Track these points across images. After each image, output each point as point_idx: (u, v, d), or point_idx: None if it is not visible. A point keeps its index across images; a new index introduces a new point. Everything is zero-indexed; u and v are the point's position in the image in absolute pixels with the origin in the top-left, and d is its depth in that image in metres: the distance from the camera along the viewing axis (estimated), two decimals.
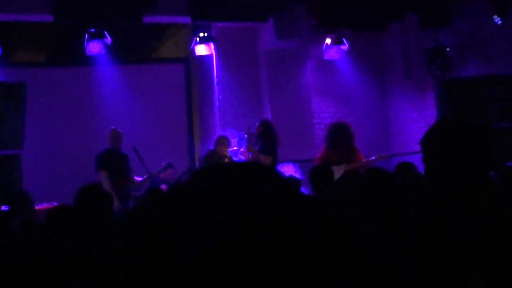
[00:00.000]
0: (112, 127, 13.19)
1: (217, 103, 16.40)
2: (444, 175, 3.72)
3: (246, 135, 14.27)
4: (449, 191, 3.67)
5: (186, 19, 15.38)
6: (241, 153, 14.20)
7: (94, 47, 15.02)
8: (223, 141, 13.57)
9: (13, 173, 11.06)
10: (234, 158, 13.93)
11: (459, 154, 3.67)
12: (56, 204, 10.67)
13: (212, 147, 13.54)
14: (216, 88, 16.56)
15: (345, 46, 16.66)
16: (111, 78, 15.80)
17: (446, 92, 14.02)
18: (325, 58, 16.75)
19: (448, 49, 15.54)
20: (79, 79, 15.97)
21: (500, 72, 13.98)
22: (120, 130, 13.09)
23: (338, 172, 10.75)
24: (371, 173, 6.05)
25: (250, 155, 13.90)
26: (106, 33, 14.92)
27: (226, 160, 13.41)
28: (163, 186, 12.53)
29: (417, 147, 4.26)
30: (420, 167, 5.65)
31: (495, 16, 14.35)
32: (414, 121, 16.37)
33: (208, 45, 15.94)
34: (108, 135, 13.00)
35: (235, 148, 14.86)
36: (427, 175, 3.92)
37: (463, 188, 3.62)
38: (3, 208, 10.62)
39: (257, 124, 14.20)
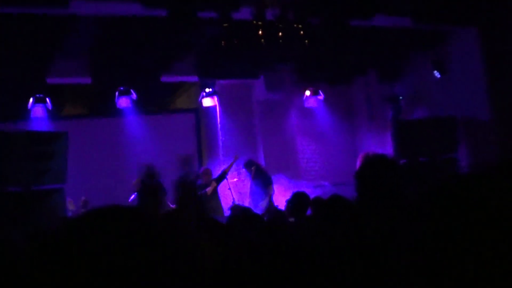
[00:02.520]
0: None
1: (221, 143, 16.54)
2: (370, 198, 3.92)
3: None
4: (374, 210, 3.81)
5: (195, 78, 15.58)
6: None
7: (122, 102, 15.19)
8: (206, 173, 13.82)
9: (58, 203, 11.15)
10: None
11: (378, 183, 3.92)
12: None
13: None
14: (219, 132, 16.71)
15: (321, 96, 16.83)
16: (136, 126, 15.96)
17: (400, 131, 14.14)
18: (306, 106, 16.91)
19: (401, 97, 15.76)
20: (111, 127, 16.16)
21: (440, 115, 14.16)
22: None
23: None
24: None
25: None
26: (132, 90, 15.09)
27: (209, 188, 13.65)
28: None
29: None
30: None
31: (435, 72, 14.57)
32: None
33: (212, 98, 16.14)
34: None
35: (235, 179, 15.00)
36: (358, 199, 4.08)
37: (383, 205, 3.78)
38: None
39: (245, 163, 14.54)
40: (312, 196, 9.85)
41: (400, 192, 3.92)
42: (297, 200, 9.52)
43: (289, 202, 9.54)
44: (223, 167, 14.59)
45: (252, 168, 14.61)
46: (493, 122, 13.43)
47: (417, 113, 15.11)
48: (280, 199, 13.15)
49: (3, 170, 10.76)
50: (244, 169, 14.99)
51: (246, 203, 14.27)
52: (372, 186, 3.98)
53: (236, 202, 13.82)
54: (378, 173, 4.00)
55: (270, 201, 13.34)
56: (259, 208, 13.44)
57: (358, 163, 13.64)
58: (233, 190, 14.52)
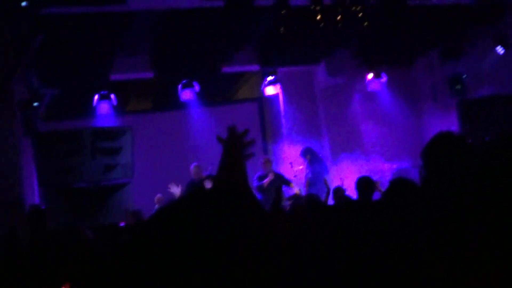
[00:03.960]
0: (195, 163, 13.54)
1: (285, 132, 16.56)
2: (441, 179, 3.74)
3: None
4: (446, 191, 3.59)
5: (256, 67, 15.64)
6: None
7: (186, 95, 15.33)
8: (266, 161, 13.75)
9: (126, 197, 11.35)
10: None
11: (451, 163, 3.70)
12: None
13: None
14: (283, 120, 16.74)
15: (384, 79, 16.64)
16: (200, 118, 16.06)
17: (465, 111, 13.93)
18: (368, 90, 16.75)
19: (464, 76, 15.48)
20: (175, 120, 16.32)
21: (506, 92, 13.88)
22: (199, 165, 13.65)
23: None
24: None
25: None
26: (194, 83, 15.21)
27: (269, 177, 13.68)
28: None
29: None
30: None
31: (499, 47, 14.28)
32: None
33: (275, 86, 16.14)
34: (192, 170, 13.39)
35: (301, 167, 14.96)
36: (426, 180, 3.91)
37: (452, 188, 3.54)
38: (121, 224, 10.99)
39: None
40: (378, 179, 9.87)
41: (469, 172, 3.58)
42: (362, 184, 9.54)
43: (356, 187, 9.58)
44: (306, 173, 14.51)
45: (307, 156, 14.63)
46: None
47: (483, 91, 14.83)
48: (348, 183, 13.12)
49: (72, 166, 11.03)
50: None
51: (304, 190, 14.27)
52: (440, 164, 3.81)
53: (300, 190, 13.84)
54: (447, 150, 3.84)
55: (328, 188, 13.20)
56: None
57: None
58: (298, 177, 14.54)
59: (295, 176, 14.53)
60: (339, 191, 11.93)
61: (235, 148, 3.04)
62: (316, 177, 14.35)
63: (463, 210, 3.37)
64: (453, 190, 3.56)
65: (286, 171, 14.77)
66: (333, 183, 14.05)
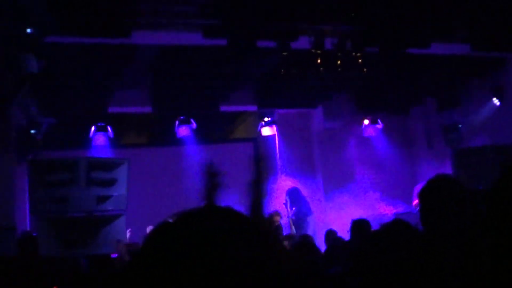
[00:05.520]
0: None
1: (280, 174, 16.60)
2: (439, 225, 3.68)
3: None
4: (444, 239, 3.60)
5: (253, 107, 15.74)
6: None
7: (183, 131, 15.45)
8: (275, 216, 13.71)
9: (119, 228, 11.34)
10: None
11: (451, 208, 3.65)
12: None
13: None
14: (278, 161, 16.80)
15: (379, 125, 16.81)
16: (196, 155, 16.08)
17: (460, 159, 14.06)
18: (364, 135, 16.90)
19: (460, 125, 15.64)
20: (171, 156, 16.36)
21: (500, 143, 14.01)
22: None
23: None
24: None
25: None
26: (192, 120, 15.31)
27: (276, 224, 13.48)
28: None
29: None
30: None
31: (494, 99, 14.44)
32: None
33: (271, 127, 16.28)
34: None
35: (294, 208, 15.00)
36: (423, 223, 3.86)
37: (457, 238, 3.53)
38: (113, 255, 10.96)
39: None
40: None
41: (468, 216, 3.66)
42: (357, 228, 9.53)
43: (350, 230, 9.57)
44: (288, 212, 14.54)
45: (292, 197, 14.73)
46: None
47: (477, 141, 14.95)
48: (341, 226, 13.12)
49: (66, 196, 11.02)
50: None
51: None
52: (438, 206, 3.73)
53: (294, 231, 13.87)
54: (445, 192, 3.75)
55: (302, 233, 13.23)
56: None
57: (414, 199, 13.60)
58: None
59: (288, 217, 14.55)
60: (331, 234, 11.91)
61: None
62: (300, 218, 14.42)
63: (461, 253, 3.38)
64: (451, 233, 3.57)
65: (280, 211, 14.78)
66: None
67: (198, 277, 1.25)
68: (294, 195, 14.81)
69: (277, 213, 13.90)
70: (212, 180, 3.14)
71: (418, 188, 11.66)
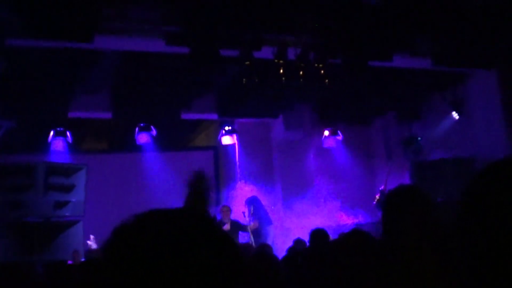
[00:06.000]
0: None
1: (239, 182, 16.59)
2: (400, 232, 3.68)
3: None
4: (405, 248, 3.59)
5: (214, 116, 15.73)
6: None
7: (142, 138, 15.35)
8: (225, 210, 13.79)
9: (75, 235, 11.25)
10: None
11: (413, 218, 3.64)
12: None
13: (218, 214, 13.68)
14: (238, 170, 16.81)
15: (340, 137, 16.89)
16: (155, 163, 16.04)
17: (418, 172, 14.24)
18: (324, 146, 16.97)
19: (419, 138, 15.83)
20: (130, 162, 16.23)
21: (458, 156, 14.20)
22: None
23: None
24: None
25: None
26: (152, 127, 15.25)
27: (227, 225, 13.49)
28: None
29: None
30: None
31: (454, 113, 14.63)
32: None
33: (232, 136, 16.28)
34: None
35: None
36: (385, 232, 3.84)
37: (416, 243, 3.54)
38: (69, 262, 10.84)
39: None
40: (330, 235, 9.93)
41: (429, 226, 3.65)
42: (316, 237, 9.57)
43: (309, 240, 9.61)
44: (248, 221, 14.50)
45: (251, 207, 14.70)
46: None
47: (436, 153, 15.14)
48: (301, 235, 13.13)
49: (23, 200, 10.90)
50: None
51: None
52: (400, 214, 3.72)
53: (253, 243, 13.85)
54: (407, 201, 3.74)
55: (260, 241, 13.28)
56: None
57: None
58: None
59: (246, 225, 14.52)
60: (300, 243, 11.82)
61: (200, 191, 3.14)
62: (259, 228, 14.42)
63: (422, 262, 3.39)
64: (413, 242, 3.59)
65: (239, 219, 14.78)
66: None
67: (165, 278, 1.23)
68: (253, 204, 14.80)
69: (227, 207, 13.97)
70: (201, 185, 3.13)
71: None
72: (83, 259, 11.97)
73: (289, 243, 13.36)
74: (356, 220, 15.79)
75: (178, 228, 1.33)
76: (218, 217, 13.74)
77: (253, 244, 13.32)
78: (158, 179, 15.71)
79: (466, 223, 1.38)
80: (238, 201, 15.90)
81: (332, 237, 10.94)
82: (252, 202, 14.90)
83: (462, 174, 13.70)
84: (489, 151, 13.80)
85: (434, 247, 3.38)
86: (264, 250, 10.30)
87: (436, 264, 3.29)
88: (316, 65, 12.00)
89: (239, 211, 14.77)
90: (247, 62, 11.52)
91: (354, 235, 6.13)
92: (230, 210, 13.93)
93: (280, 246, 13.65)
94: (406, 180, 15.15)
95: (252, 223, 14.19)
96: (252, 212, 14.59)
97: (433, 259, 3.34)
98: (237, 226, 13.80)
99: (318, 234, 9.55)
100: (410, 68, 13.55)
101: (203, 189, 3.16)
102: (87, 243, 12.73)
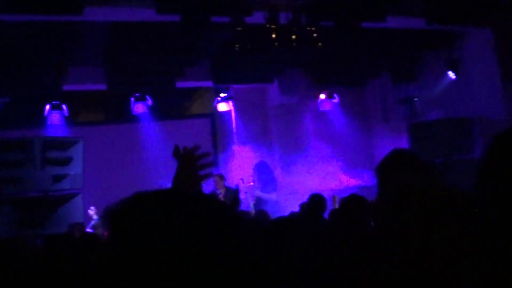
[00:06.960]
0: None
1: (236, 148, 16.59)
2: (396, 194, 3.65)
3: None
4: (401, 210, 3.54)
5: (209, 83, 15.68)
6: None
7: (138, 108, 15.35)
8: (217, 179, 13.69)
9: (75, 208, 11.25)
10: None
11: (407, 179, 3.57)
12: None
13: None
14: (235, 136, 16.81)
15: (336, 100, 16.83)
16: (152, 132, 16.03)
17: (416, 133, 14.23)
18: (320, 109, 16.92)
19: (415, 99, 15.78)
20: (127, 133, 16.21)
21: (455, 116, 14.18)
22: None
23: None
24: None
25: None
26: (147, 96, 15.23)
27: (221, 194, 13.46)
28: None
29: None
30: None
31: (450, 72, 14.55)
32: None
33: (227, 102, 16.25)
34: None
35: (251, 183, 14.87)
36: (380, 197, 3.84)
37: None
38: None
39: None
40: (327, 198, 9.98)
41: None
42: (313, 202, 9.61)
43: (307, 205, 9.65)
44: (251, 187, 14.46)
45: (259, 172, 14.68)
46: (509, 122, 13.38)
47: (432, 114, 15.10)
48: (300, 197, 13.13)
49: (21, 176, 10.88)
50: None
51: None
52: (395, 179, 3.58)
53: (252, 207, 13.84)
54: (402, 166, 3.64)
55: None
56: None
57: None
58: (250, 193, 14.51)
59: (246, 192, 14.46)
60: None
61: (190, 165, 3.08)
62: (264, 193, 14.37)
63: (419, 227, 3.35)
64: (408, 205, 3.56)
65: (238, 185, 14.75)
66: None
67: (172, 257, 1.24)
68: (263, 169, 14.74)
69: (219, 176, 13.88)
70: (190, 166, 3.06)
71: None
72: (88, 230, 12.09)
73: (292, 201, 13.47)
74: (361, 182, 15.71)
75: (165, 213, 1.32)
76: (213, 188, 13.71)
77: (253, 211, 13.32)
78: (155, 148, 15.70)
79: (486, 187, 1.35)
80: (236, 164, 15.94)
81: (338, 197, 10.97)
82: (262, 167, 14.84)
83: (459, 134, 13.70)
84: (486, 110, 13.78)
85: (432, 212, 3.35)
86: (263, 217, 10.35)
87: (437, 234, 3.25)
88: (308, 28, 11.94)
89: (238, 175, 14.77)
90: (239, 28, 11.46)
91: (352, 201, 6.15)
92: (223, 178, 13.86)
93: (283, 204, 13.80)
94: (404, 141, 15.14)
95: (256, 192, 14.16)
96: (259, 177, 14.54)
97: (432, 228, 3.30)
98: (231, 193, 13.69)
99: (316, 200, 9.59)
100: (404, 28, 13.47)
101: (193, 165, 3.10)
102: (88, 213, 12.81)
